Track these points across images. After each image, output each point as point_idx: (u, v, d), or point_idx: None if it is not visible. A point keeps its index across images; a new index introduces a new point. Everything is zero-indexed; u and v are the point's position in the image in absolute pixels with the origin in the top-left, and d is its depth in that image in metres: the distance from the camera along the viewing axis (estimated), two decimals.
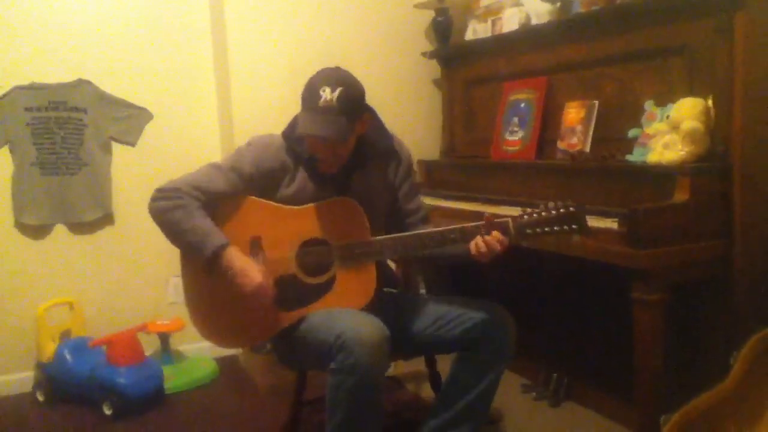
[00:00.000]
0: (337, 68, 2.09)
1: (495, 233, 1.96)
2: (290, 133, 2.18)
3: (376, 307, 2.14)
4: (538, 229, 1.95)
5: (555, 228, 1.94)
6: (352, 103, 2.03)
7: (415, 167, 2.49)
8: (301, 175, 2.17)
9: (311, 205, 2.14)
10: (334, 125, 1.99)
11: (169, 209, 2.09)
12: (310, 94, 2.01)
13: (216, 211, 2.13)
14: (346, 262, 2.10)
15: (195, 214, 2.08)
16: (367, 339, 1.87)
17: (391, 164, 2.29)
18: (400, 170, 2.31)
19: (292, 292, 2.13)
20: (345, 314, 2.00)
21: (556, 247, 2.39)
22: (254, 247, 2.15)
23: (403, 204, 2.31)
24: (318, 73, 2.07)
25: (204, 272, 2.13)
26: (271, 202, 2.16)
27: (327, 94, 1.98)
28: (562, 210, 1.93)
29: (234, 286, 2.07)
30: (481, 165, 3.27)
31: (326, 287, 2.12)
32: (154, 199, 2.13)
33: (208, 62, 3.61)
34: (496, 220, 1.98)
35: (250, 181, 2.15)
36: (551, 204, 1.95)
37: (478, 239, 1.97)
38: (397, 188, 2.30)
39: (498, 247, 1.96)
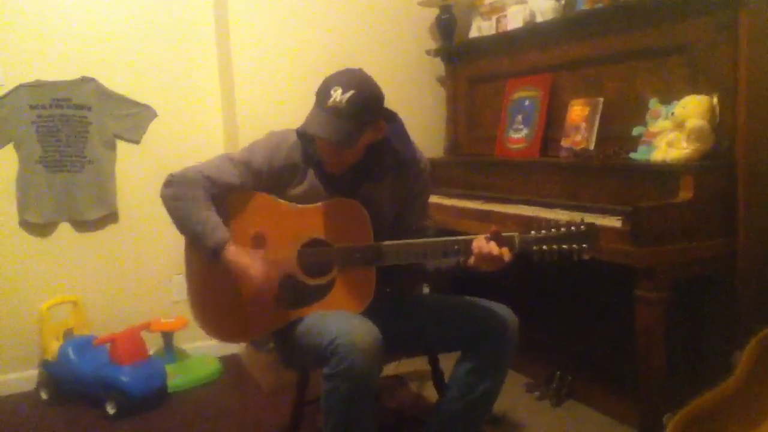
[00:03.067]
0: (358, 70, 2.03)
1: (503, 249, 1.91)
2: (302, 132, 2.14)
3: (378, 306, 2.14)
4: (545, 246, 1.89)
5: (563, 246, 1.88)
6: (364, 107, 1.96)
7: None
8: (311, 176, 2.14)
9: (316, 204, 2.12)
10: (338, 128, 1.93)
11: (177, 197, 2.08)
12: (322, 92, 1.97)
13: (223, 204, 2.12)
14: (347, 265, 2.08)
15: (201, 205, 2.06)
16: (360, 344, 1.85)
17: (409, 176, 2.21)
18: (417, 184, 2.23)
19: (291, 291, 2.11)
20: (340, 318, 1.98)
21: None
22: (257, 244, 2.14)
23: (414, 219, 2.26)
24: (337, 72, 2.01)
25: (206, 264, 2.12)
26: (277, 199, 2.14)
27: (337, 95, 1.93)
28: (573, 228, 1.88)
29: (235, 283, 2.07)
30: (485, 163, 3.26)
31: (325, 289, 2.10)
32: (166, 185, 2.12)
33: (212, 60, 3.62)
34: (503, 234, 1.93)
35: (260, 178, 2.14)
36: (562, 221, 1.91)
37: (483, 242, 1.92)
38: (411, 201, 2.24)
39: (502, 259, 1.90)
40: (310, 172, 2.14)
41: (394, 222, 2.23)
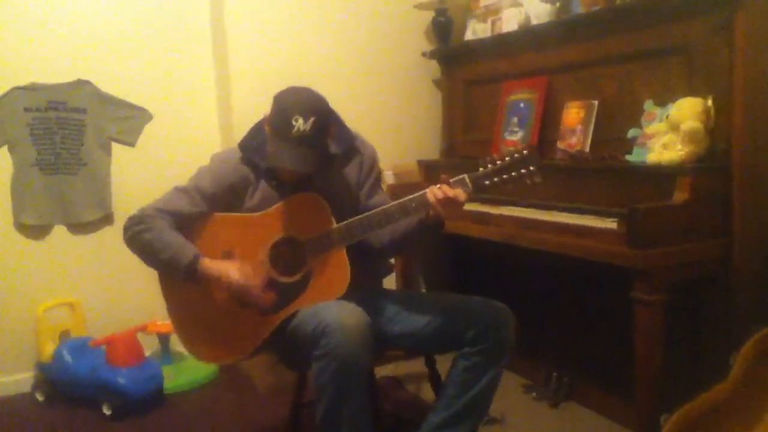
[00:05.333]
0: (307, 90, 2.09)
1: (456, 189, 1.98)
2: (248, 144, 2.23)
3: (377, 306, 2.17)
4: (495, 179, 1.98)
5: (513, 174, 1.96)
6: (325, 128, 2.08)
7: (389, 164, 2.43)
8: (263, 184, 2.21)
9: (273, 207, 2.18)
10: (308, 156, 2.03)
11: (139, 233, 2.15)
12: (282, 122, 2.02)
13: (185, 233, 2.19)
14: (318, 253, 2.13)
15: (164, 233, 2.14)
16: (348, 324, 1.90)
17: (354, 163, 2.31)
18: (363, 168, 2.32)
19: (272, 294, 2.16)
20: (328, 305, 2.03)
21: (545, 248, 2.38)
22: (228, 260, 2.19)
23: (366, 200, 2.31)
24: (287, 96, 2.07)
25: (184, 287, 2.18)
26: (236, 214, 2.21)
27: (299, 124, 2.00)
28: (516, 155, 1.96)
29: (217, 296, 2.14)
30: None
31: (304, 282, 2.14)
32: (125, 229, 2.20)
33: (208, 62, 3.61)
34: (452, 179, 2.00)
35: (214, 199, 2.21)
36: (505, 151, 1.99)
37: (436, 190, 1.99)
38: (361, 185, 2.32)
39: (458, 200, 1.96)
40: (261, 182, 2.21)
41: (354, 207, 2.27)
